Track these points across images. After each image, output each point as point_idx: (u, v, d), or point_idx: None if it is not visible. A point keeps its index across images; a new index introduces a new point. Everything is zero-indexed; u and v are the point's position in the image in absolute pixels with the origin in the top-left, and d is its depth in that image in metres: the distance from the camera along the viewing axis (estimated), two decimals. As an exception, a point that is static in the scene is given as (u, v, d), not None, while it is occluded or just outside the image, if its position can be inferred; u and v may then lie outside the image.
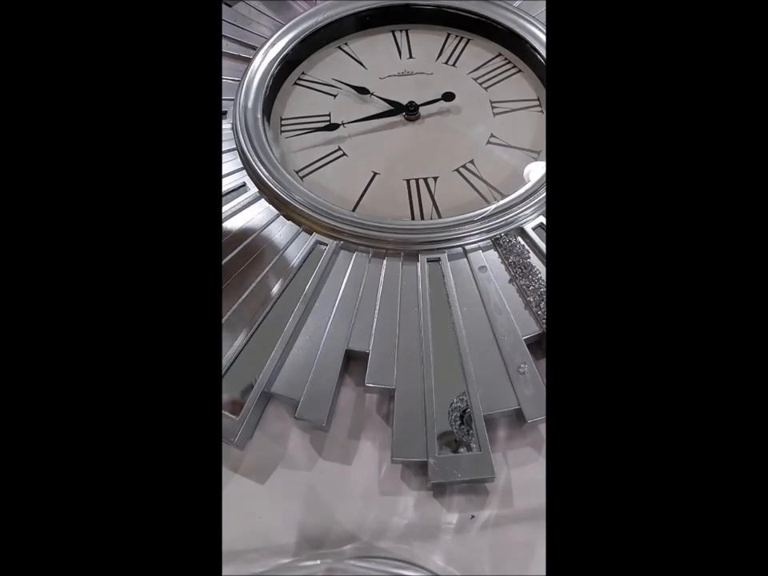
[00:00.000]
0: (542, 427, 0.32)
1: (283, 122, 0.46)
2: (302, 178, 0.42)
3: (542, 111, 0.45)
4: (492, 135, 0.44)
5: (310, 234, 0.37)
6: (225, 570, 0.29)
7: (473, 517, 0.30)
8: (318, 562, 0.29)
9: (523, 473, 0.31)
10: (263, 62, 0.46)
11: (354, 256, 0.36)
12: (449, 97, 0.45)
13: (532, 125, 0.44)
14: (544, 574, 0.20)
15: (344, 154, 0.43)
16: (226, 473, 0.32)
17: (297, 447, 0.33)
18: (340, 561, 0.29)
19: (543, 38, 0.46)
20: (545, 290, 0.34)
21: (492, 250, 0.37)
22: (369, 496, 0.31)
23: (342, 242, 0.37)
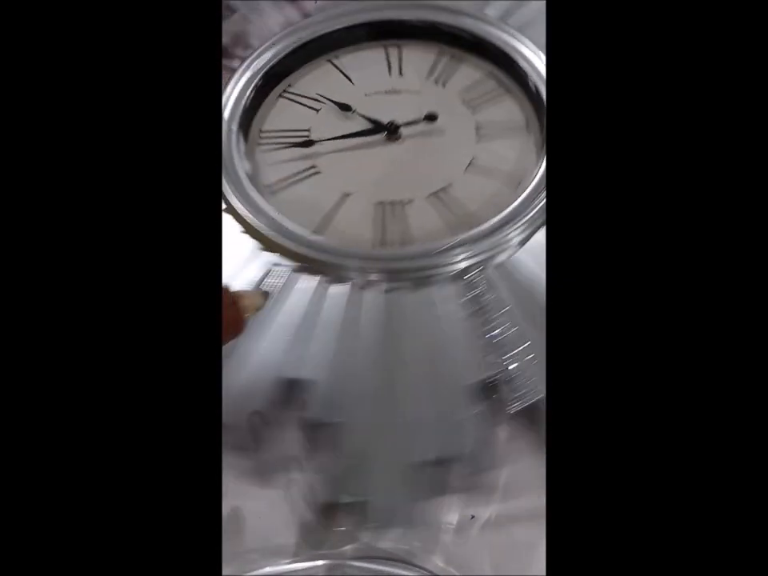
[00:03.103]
0: (542, 427, 0.31)
1: (262, 134, 0.45)
2: (272, 193, 0.41)
3: (529, 134, 0.44)
4: (473, 160, 0.42)
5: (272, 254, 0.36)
6: (225, 570, 0.29)
7: (473, 517, 0.30)
8: (318, 562, 0.29)
9: (523, 473, 0.31)
10: (246, 73, 0.45)
11: (316, 281, 0.35)
12: (431, 118, 0.44)
13: (515, 151, 0.43)
14: (544, 574, 0.20)
15: (318, 172, 0.42)
16: (226, 473, 0.31)
17: (296, 448, 0.32)
18: (340, 561, 0.29)
19: (534, 60, 0.44)
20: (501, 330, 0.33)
21: (454, 283, 0.35)
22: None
23: (301, 266, 0.36)
